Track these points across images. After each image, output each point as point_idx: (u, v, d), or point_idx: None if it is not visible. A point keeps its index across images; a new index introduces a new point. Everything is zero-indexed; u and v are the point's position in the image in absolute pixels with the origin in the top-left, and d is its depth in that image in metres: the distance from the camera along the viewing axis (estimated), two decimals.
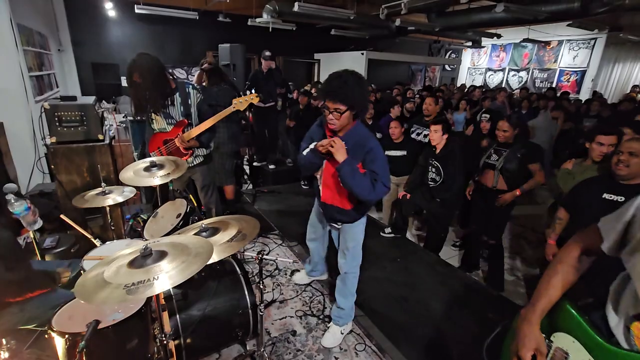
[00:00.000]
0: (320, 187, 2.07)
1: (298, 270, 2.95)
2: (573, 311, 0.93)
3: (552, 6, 5.76)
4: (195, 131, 2.49)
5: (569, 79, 10.56)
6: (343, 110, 1.74)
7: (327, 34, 9.14)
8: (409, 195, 3.43)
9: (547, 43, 10.77)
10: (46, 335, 1.30)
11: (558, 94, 7.67)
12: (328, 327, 2.30)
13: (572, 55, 10.41)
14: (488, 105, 5.67)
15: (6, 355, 1.58)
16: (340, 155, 1.73)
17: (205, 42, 8.63)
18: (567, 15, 5.96)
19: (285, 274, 2.94)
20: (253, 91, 2.61)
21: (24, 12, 4.47)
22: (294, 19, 7.18)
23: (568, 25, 8.02)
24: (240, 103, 2.51)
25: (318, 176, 2.07)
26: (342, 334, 2.25)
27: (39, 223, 1.80)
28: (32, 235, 2.11)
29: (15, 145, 3.50)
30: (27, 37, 4.40)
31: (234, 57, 5.14)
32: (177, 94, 2.48)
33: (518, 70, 11.91)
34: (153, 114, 2.51)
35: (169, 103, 2.46)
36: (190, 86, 2.54)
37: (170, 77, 2.52)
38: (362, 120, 2.02)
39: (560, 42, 10.59)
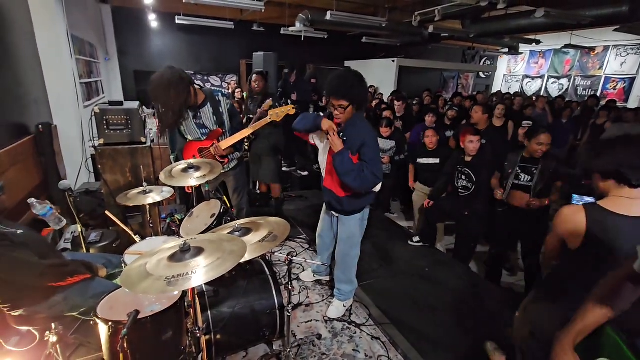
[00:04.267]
0: (324, 173, 2.32)
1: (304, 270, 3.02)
2: (615, 337, 0.94)
3: (597, 10, 5.46)
4: (231, 140, 2.55)
5: (616, 86, 9.93)
6: (346, 105, 1.96)
7: (358, 41, 9.20)
8: (432, 203, 3.37)
9: (592, 49, 10.21)
10: (92, 322, 1.38)
11: (603, 102, 7.22)
12: (331, 302, 2.56)
13: (620, 61, 9.80)
14: (530, 113, 5.41)
15: (54, 339, 1.71)
16: (335, 147, 1.99)
17: (240, 50, 8.96)
18: (614, 19, 5.62)
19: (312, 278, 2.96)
20: (289, 102, 2.67)
21: (78, 24, 4.85)
22: (326, 27, 7.29)
23: (615, 30, 7.56)
24: (276, 114, 2.56)
25: (322, 164, 2.32)
26: (344, 307, 2.52)
27: (63, 222, 1.93)
28: (79, 229, 2.28)
29: (65, 147, 3.78)
30: (79, 47, 4.77)
31: (267, 65, 5.31)
32: (208, 104, 2.52)
33: (558, 78, 11.37)
34: (183, 124, 2.58)
35: (197, 115, 2.50)
36: (220, 94, 2.59)
37: (199, 88, 2.52)
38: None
39: (606, 48, 10.01)
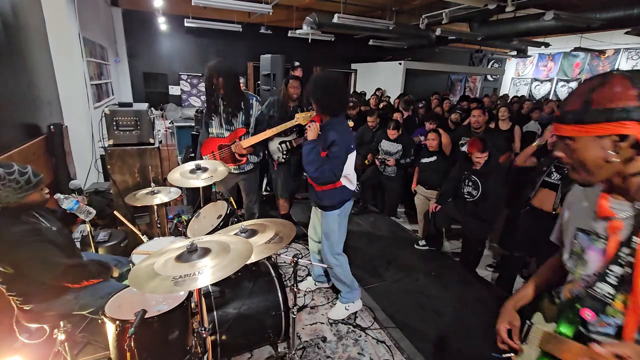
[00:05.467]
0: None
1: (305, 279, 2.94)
2: (545, 295, 1.15)
3: (607, 13, 5.39)
4: (253, 140, 2.58)
5: None
6: (314, 106, 2.17)
7: (364, 44, 9.21)
8: (439, 207, 3.35)
9: (602, 52, 10.08)
10: (100, 321, 1.40)
11: None
12: (334, 303, 2.59)
13: (631, 64, 9.66)
14: (537, 117, 5.32)
15: (62, 337, 1.73)
16: (310, 135, 2.15)
17: (247, 53, 9.03)
18: (625, 22, 5.55)
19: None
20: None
21: (89, 26, 4.93)
22: (333, 30, 7.31)
23: (626, 33, 7.47)
24: (303, 118, 2.57)
25: None
26: (346, 309, 2.52)
27: (93, 212, 1.94)
28: (88, 229, 2.31)
29: (76, 147, 3.84)
30: (90, 49, 4.85)
31: (274, 67, 5.33)
32: (242, 103, 2.60)
33: (568, 81, 11.23)
34: (214, 117, 2.62)
35: (229, 110, 2.57)
36: (254, 99, 2.67)
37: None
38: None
39: (617, 51, 9.88)
